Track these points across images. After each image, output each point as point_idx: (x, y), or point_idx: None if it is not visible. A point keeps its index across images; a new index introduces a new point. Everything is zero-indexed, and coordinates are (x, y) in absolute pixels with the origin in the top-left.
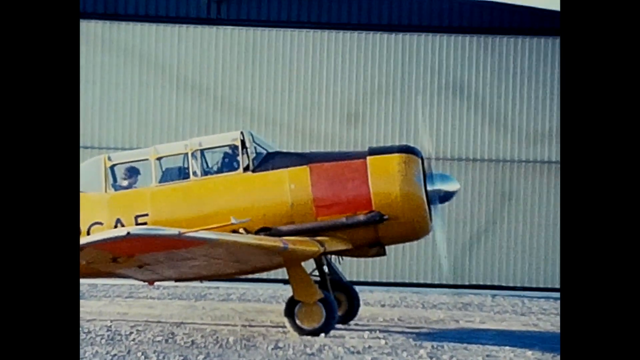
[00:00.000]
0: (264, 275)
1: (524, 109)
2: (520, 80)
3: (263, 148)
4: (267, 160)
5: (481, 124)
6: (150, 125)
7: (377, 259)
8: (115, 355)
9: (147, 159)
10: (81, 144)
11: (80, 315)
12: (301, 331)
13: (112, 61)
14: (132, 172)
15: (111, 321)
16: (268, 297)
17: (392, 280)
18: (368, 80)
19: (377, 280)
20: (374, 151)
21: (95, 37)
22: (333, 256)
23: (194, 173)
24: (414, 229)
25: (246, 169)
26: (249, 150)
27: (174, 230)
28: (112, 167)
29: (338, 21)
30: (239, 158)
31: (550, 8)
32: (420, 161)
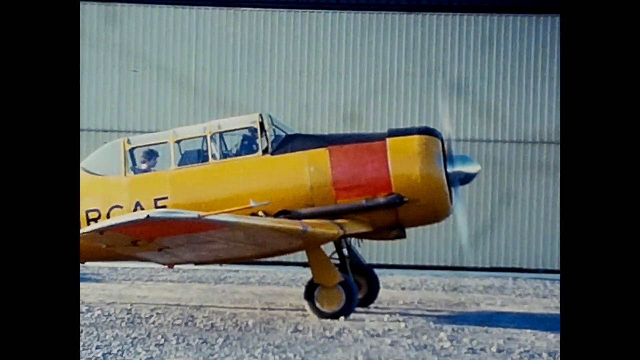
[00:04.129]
0: (283, 258)
1: (522, 99)
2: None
3: (282, 130)
4: (286, 143)
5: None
6: (165, 113)
7: (397, 241)
8: (135, 338)
9: (166, 142)
10: (100, 127)
11: (101, 299)
12: (321, 314)
13: (120, 48)
14: (151, 155)
15: (131, 304)
16: (287, 280)
17: (412, 263)
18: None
19: (397, 263)
20: (393, 133)
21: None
22: (353, 239)
23: (213, 156)
24: (435, 211)
25: (265, 151)
26: (267, 132)
27: (193, 213)
28: (131, 150)
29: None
30: (258, 141)
31: None
32: (440, 143)
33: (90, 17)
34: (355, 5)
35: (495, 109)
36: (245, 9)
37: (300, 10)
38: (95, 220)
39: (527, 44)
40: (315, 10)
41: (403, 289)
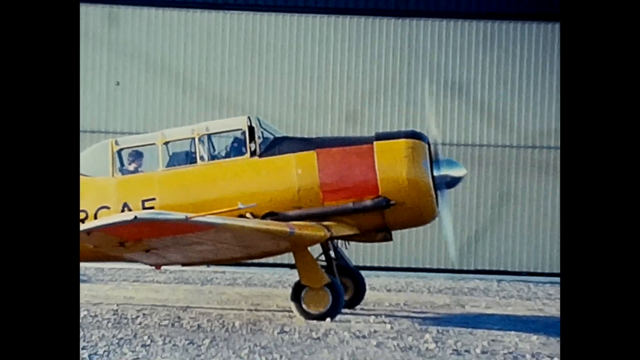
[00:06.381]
0: (270, 259)
1: (522, 101)
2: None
3: (270, 133)
4: (274, 145)
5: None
6: (154, 114)
7: (384, 244)
8: (121, 338)
9: (154, 144)
10: (89, 128)
11: (87, 299)
12: (307, 315)
13: (114, 49)
14: (139, 156)
15: (117, 305)
16: (274, 282)
17: (398, 265)
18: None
19: (383, 265)
20: (380, 136)
21: (99, 24)
22: (339, 241)
23: (201, 158)
24: (421, 214)
25: (253, 153)
26: (256, 135)
27: (181, 215)
28: (119, 151)
29: (337, 5)
30: (246, 143)
31: None
32: (427, 146)
33: (86, 17)
34: (356, 10)
35: (495, 111)
36: (241, 12)
37: (297, 15)
38: (83, 221)
39: (528, 47)
40: (327, 15)
41: (389, 290)
